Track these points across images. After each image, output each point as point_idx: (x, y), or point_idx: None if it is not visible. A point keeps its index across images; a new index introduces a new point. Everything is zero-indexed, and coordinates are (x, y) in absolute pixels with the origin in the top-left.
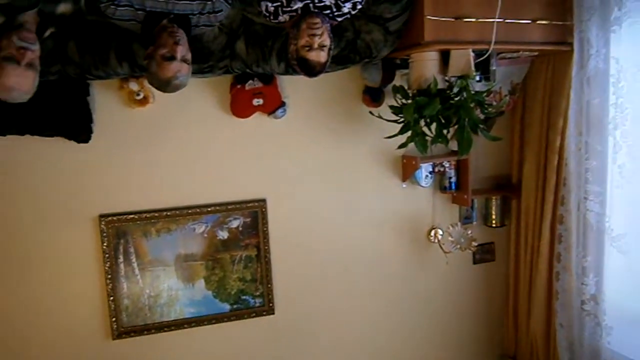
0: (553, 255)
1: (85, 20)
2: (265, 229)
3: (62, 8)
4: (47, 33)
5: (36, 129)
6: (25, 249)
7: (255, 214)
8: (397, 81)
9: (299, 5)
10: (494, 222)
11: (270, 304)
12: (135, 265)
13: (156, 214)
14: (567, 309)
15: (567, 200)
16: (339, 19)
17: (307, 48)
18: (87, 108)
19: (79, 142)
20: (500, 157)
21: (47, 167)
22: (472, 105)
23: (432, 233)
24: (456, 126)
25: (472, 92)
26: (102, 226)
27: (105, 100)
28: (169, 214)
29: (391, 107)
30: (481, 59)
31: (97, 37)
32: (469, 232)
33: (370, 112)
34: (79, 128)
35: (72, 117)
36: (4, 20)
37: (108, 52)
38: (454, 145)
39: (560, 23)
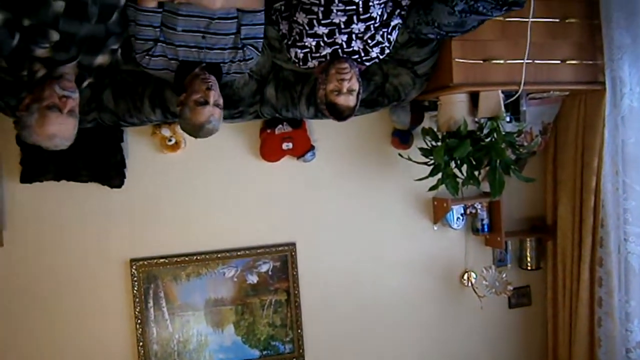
0: (594, 300)
1: (120, 70)
2: (295, 273)
3: (100, 60)
4: (86, 83)
5: (72, 175)
6: (58, 291)
7: (285, 258)
8: (426, 123)
9: (328, 51)
10: (529, 264)
11: (301, 350)
12: (165, 309)
13: (186, 258)
14: (611, 358)
15: (607, 242)
16: (367, 64)
17: (336, 92)
18: (121, 154)
19: (112, 187)
20: (533, 198)
21: (80, 211)
22: (503, 146)
23: (465, 277)
24: (487, 167)
25: (503, 133)
26: (133, 270)
27: (138, 146)
28: (199, 258)
29: (421, 149)
30: (511, 99)
31: (131, 85)
32: (504, 275)
33: (400, 155)
34: (113, 173)
35: (107, 162)
36: (45, 72)
37: (142, 100)
38: (485, 187)
39: (591, 62)
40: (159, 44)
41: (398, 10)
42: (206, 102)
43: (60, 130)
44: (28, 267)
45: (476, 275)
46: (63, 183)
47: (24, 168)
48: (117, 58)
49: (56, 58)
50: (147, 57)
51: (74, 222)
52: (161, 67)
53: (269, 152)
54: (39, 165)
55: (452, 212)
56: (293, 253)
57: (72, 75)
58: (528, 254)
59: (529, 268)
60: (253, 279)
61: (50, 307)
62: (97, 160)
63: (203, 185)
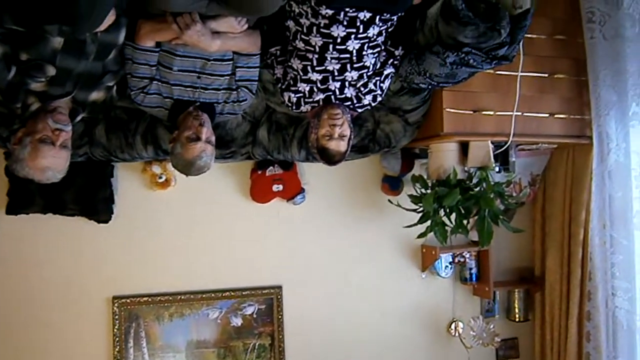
0: (582, 355)
1: (114, 106)
2: (280, 317)
3: (95, 95)
4: (79, 117)
5: (59, 208)
6: (37, 326)
7: (270, 301)
8: (416, 170)
9: (321, 96)
10: (517, 316)
11: None
12: (145, 350)
13: (170, 298)
14: None
15: (594, 296)
16: (360, 110)
17: (327, 137)
18: (111, 189)
19: (99, 222)
20: (522, 249)
21: (65, 245)
22: (492, 196)
23: (453, 326)
24: (476, 216)
25: (492, 183)
26: (115, 308)
27: (127, 182)
28: (183, 297)
29: (410, 196)
30: (500, 150)
31: (124, 121)
32: (492, 326)
33: (389, 201)
34: (101, 208)
35: (95, 197)
36: (39, 106)
37: (134, 136)
38: (474, 236)
39: (579, 117)
40: (155, 82)
41: (391, 60)
42: (198, 138)
43: (52, 163)
44: (8, 300)
45: (464, 325)
46: (49, 216)
47: (10, 199)
48: (112, 94)
49: (51, 92)
50: (142, 94)
51: (58, 256)
52: (155, 105)
53: (259, 193)
54: (26, 197)
55: (441, 260)
56: (279, 296)
57: (66, 109)
58: (516, 305)
59: (517, 320)
60: (237, 321)
61: (29, 341)
62: (86, 195)
63: (191, 224)
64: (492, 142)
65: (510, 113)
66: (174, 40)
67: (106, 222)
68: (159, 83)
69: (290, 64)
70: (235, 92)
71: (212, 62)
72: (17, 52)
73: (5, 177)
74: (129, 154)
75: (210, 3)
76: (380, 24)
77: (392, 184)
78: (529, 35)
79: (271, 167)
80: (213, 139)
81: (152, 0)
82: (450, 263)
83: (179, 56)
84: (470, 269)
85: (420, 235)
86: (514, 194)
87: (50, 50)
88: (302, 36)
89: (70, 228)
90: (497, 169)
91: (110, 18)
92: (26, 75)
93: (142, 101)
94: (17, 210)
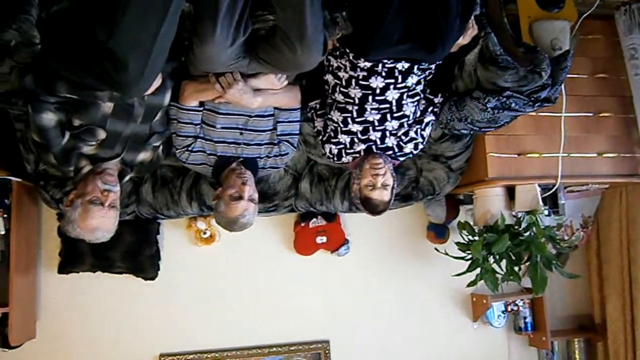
0: None
1: (160, 164)
2: None
3: (142, 156)
4: (127, 178)
5: (107, 266)
6: None
7: (318, 356)
8: (462, 217)
9: (362, 147)
10: None
11: None
12: None
13: (217, 355)
14: None
15: None
16: (401, 159)
17: (370, 187)
18: (157, 246)
19: (146, 279)
20: (579, 295)
21: (113, 302)
22: (543, 240)
23: None
24: (528, 263)
25: (542, 227)
26: None
27: (173, 238)
28: (230, 354)
29: (457, 243)
30: (549, 193)
31: (169, 179)
32: None
33: (436, 249)
34: (147, 266)
35: (142, 255)
36: (89, 169)
37: (179, 193)
38: (527, 283)
39: (629, 155)
40: (199, 140)
41: (431, 108)
42: (241, 197)
43: (102, 224)
44: (58, 358)
45: None
46: (98, 274)
47: (62, 259)
48: (158, 154)
49: (101, 155)
50: (186, 152)
51: (106, 314)
52: (200, 162)
53: (303, 245)
54: (77, 256)
55: (493, 309)
56: (327, 351)
57: (115, 170)
58: (577, 356)
59: None
60: None
61: None
62: (133, 252)
63: (237, 279)
64: (539, 185)
65: (557, 154)
66: (217, 99)
67: (153, 279)
68: (203, 141)
69: (330, 116)
70: (277, 146)
71: (254, 118)
72: (70, 119)
73: (58, 238)
74: (174, 210)
75: (251, 62)
76: (419, 73)
77: (437, 232)
78: (571, 76)
79: (314, 219)
80: (256, 196)
81: (195, 63)
82: (502, 312)
83: (222, 114)
84: (525, 317)
85: (470, 284)
86: (566, 238)
87: (101, 115)
88: (341, 89)
89: (118, 286)
90: (546, 212)
91: (157, 82)
92: (79, 139)
93: (187, 159)
94: (68, 269)
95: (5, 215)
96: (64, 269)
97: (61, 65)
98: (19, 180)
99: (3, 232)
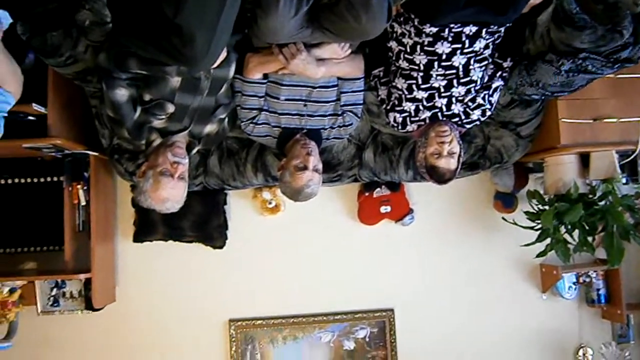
0: None
1: (226, 137)
2: (393, 340)
3: (209, 128)
4: (195, 150)
5: (178, 235)
6: (158, 347)
7: (382, 324)
8: (531, 185)
9: (427, 114)
10: None
11: None
12: None
13: (283, 321)
14: None
15: None
16: (468, 126)
17: (436, 156)
18: (225, 216)
19: (215, 248)
20: None
21: (184, 270)
22: (620, 209)
23: (581, 352)
24: (602, 233)
25: (620, 196)
26: (232, 331)
27: (240, 209)
28: (295, 320)
29: (526, 213)
30: (627, 160)
31: (235, 151)
32: (627, 353)
33: (504, 219)
34: (216, 235)
35: (211, 224)
36: (160, 141)
37: (245, 165)
38: (600, 253)
39: None
40: (263, 112)
41: (499, 72)
42: (305, 167)
43: (171, 194)
44: (131, 322)
45: (593, 352)
46: (169, 243)
47: (137, 229)
48: (224, 126)
49: (170, 128)
50: (251, 125)
51: (178, 281)
52: (264, 134)
53: (367, 215)
54: (150, 226)
55: (563, 281)
56: (391, 319)
57: (184, 142)
58: None
59: None
60: (350, 345)
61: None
62: (202, 222)
63: (301, 248)
64: (616, 152)
65: (638, 119)
66: (281, 70)
67: (221, 247)
68: (267, 113)
69: (394, 84)
70: (341, 117)
71: (317, 89)
72: (141, 94)
73: (132, 208)
74: (240, 181)
75: (314, 32)
76: (487, 37)
77: (505, 201)
78: None
79: (378, 189)
80: (320, 166)
81: (258, 35)
82: (574, 283)
83: (286, 86)
84: (598, 289)
85: (540, 254)
86: None
87: (169, 90)
88: (406, 55)
89: (189, 254)
90: (624, 180)
91: (222, 55)
92: (149, 113)
93: (252, 131)
94: (142, 238)
95: (85, 188)
96: (138, 238)
97: (131, 42)
98: (96, 154)
99: (84, 204)
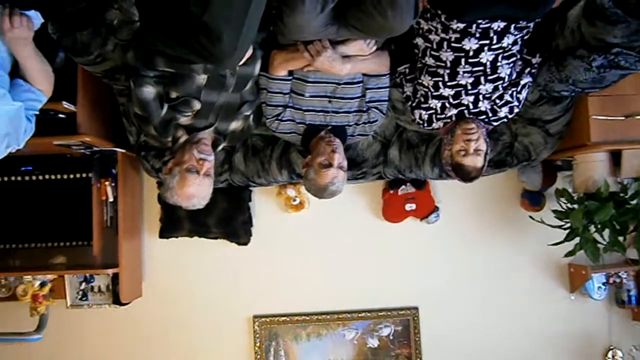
0: None
1: (251, 134)
2: (417, 338)
3: (234, 125)
4: (220, 147)
5: (203, 232)
6: (186, 342)
7: (406, 322)
8: (559, 184)
9: (454, 112)
10: None
11: None
12: None
13: (307, 318)
14: None
15: None
16: (495, 124)
17: (462, 153)
18: (249, 213)
19: (239, 244)
20: None
21: (209, 266)
22: None
23: (610, 354)
24: (634, 232)
25: None
26: (256, 327)
27: (264, 206)
28: (319, 317)
29: (555, 211)
30: None
31: (260, 148)
32: None
33: (531, 217)
34: (241, 231)
35: (236, 221)
36: (186, 138)
37: (270, 162)
38: (632, 254)
39: None
40: (288, 109)
41: (528, 69)
42: (330, 165)
43: (197, 191)
44: (157, 317)
45: (623, 354)
46: (195, 239)
47: (163, 225)
48: (249, 123)
49: (196, 125)
50: (276, 121)
51: (203, 277)
52: (289, 131)
53: (392, 213)
54: (176, 222)
55: (592, 281)
56: (415, 318)
57: (209, 139)
58: None
59: None
60: (374, 342)
61: (176, 357)
62: (227, 219)
63: (326, 245)
64: None
65: None
66: (306, 67)
67: (246, 244)
68: (292, 110)
69: (420, 81)
70: (366, 113)
71: (342, 86)
72: (168, 91)
73: (158, 205)
74: (265, 178)
75: (340, 29)
76: (516, 33)
77: (532, 200)
78: None
79: (403, 186)
80: (345, 163)
81: (284, 32)
82: (603, 284)
83: (311, 82)
84: (629, 290)
85: (569, 254)
86: None
87: (196, 87)
88: (432, 52)
89: (214, 250)
90: None
91: (248, 53)
92: (176, 111)
93: (277, 128)
94: (168, 234)
95: (113, 184)
96: (164, 234)
97: (159, 41)
98: (123, 151)
99: (112, 200)
